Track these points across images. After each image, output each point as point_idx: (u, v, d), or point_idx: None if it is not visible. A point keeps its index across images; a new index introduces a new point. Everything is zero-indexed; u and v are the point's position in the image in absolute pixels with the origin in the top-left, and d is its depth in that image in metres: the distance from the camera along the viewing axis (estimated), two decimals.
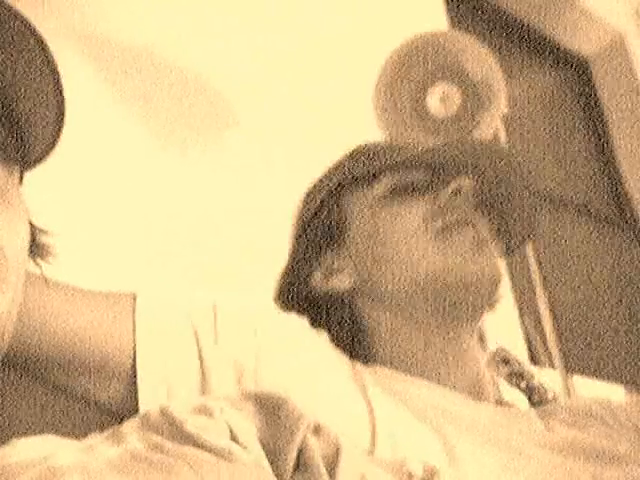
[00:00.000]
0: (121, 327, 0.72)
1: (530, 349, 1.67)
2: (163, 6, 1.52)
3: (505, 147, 0.91)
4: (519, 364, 0.97)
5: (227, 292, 0.89)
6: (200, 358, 0.73)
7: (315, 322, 0.89)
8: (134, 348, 0.72)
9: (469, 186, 0.87)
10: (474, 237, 0.85)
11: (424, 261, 0.84)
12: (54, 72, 0.51)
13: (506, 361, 0.97)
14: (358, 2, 1.87)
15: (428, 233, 0.85)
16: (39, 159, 0.55)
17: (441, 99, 1.53)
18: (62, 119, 0.52)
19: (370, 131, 1.57)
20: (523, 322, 1.70)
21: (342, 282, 0.89)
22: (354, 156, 0.93)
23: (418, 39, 1.53)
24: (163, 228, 1.33)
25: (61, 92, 0.51)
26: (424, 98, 1.54)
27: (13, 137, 0.51)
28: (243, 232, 1.40)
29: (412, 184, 0.89)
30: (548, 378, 0.98)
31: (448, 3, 2.15)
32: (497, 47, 2.16)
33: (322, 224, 0.91)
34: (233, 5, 1.62)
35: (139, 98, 1.43)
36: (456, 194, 0.87)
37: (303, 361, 0.79)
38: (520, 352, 1.65)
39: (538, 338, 1.68)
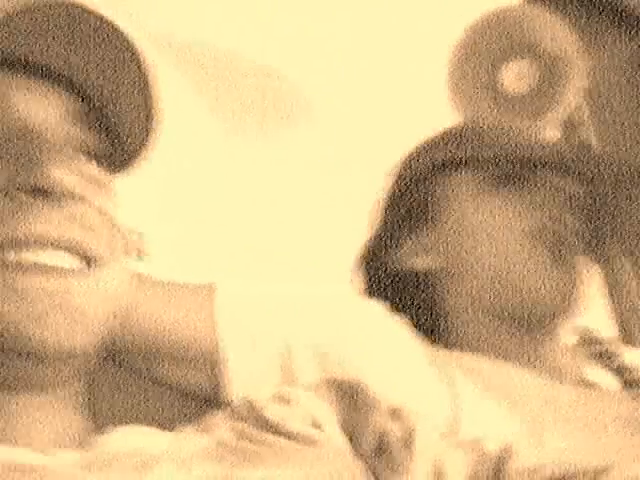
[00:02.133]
0: (205, 317, 0.75)
1: (621, 328, 1.62)
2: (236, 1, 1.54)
3: (614, 156, 0.89)
4: (609, 344, 0.95)
5: (302, 280, 0.90)
6: (282, 345, 0.75)
7: (393, 299, 0.89)
8: (218, 338, 0.74)
9: (571, 188, 0.85)
10: (559, 247, 0.83)
11: (506, 264, 0.83)
12: (147, 80, 0.53)
13: (594, 341, 0.95)
14: None
15: (517, 234, 0.84)
16: (128, 165, 0.57)
17: (517, 76, 1.50)
18: (153, 130, 0.54)
19: (447, 117, 1.55)
20: (613, 300, 1.66)
21: (427, 262, 0.88)
22: (460, 136, 0.91)
23: (491, 15, 1.50)
24: (241, 218, 1.36)
25: (154, 101, 0.53)
26: (499, 76, 1.51)
27: (106, 142, 0.53)
28: (316, 222, 1.41)
29: (513, 177, 0.87)
30: None
31: None
32: (575, 18, 2.09)
33: (415, 200, 0.90)
34: None
35: (218, 93, 1.45)
36: (555, 193, 0.85)
37: (382, 345, 0.79)
38: (610, 331, 1.61)
39: (629, 316, 1.63)
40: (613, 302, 1.63)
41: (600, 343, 0.94)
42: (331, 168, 1.49)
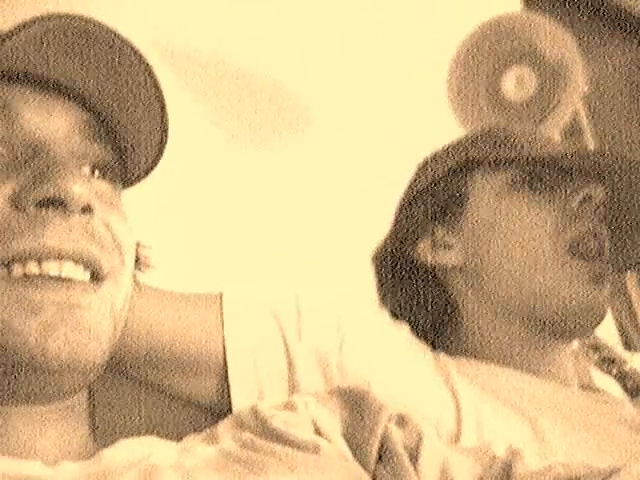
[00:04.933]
0: (210, 327, 0.74)
1: (622, 334, 1.62)
2: (237, 10, 1.54)
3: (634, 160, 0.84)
4: (610, 350, 0.95)
5: (307, 287, 0.90)
6: (287, 354, 0.75)
7: (406, 294, 0.89)
8: (224, 347, 0.74)
9: (600, 196, 0.83)
10: (598, 265, 0.81)
11: (535, 270, 0.81)
12: (159, 95, 0.53)
13: (596, 347, 0.94)
14: None
15: (555, 244, 0.81)
16: (138, 179, 0.58)
17: (516, 83, 1.50)
18: (164, 144, 0.55)
19: (448, 125, 1.55)
20: (614, 306, 1.66)
21: (448, 259, 0.86)
22: (488, 136, 0.89)
23: (491, 23, 1.51)
24: (244, 228, 1.36)
25: (164, 115, 0.54)
26: (499, 83, 1.51)
27: (119, 159, 0.54)
28: (317, 229, 1.41)
29: (542, 180, 0.84)
30: None
31: None
32: (575, 24, 2.10)
33: (441, 195, 0.88)
34: (306, 6, 1.63)
35: (220, 103, 1.46)
36: (586, 202, 0.83)
37: (386, 351, 0.79)
38: (612, 337, 1.61)
39: (630, 322, 1.63)
40: (614, 309, 1.63)
41: (603, 349, 0.94)
42: (332, 176, 1.49)
